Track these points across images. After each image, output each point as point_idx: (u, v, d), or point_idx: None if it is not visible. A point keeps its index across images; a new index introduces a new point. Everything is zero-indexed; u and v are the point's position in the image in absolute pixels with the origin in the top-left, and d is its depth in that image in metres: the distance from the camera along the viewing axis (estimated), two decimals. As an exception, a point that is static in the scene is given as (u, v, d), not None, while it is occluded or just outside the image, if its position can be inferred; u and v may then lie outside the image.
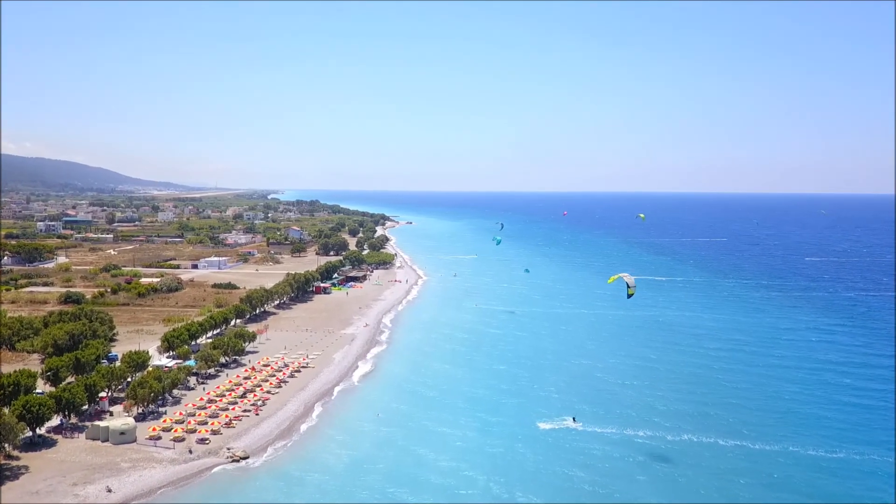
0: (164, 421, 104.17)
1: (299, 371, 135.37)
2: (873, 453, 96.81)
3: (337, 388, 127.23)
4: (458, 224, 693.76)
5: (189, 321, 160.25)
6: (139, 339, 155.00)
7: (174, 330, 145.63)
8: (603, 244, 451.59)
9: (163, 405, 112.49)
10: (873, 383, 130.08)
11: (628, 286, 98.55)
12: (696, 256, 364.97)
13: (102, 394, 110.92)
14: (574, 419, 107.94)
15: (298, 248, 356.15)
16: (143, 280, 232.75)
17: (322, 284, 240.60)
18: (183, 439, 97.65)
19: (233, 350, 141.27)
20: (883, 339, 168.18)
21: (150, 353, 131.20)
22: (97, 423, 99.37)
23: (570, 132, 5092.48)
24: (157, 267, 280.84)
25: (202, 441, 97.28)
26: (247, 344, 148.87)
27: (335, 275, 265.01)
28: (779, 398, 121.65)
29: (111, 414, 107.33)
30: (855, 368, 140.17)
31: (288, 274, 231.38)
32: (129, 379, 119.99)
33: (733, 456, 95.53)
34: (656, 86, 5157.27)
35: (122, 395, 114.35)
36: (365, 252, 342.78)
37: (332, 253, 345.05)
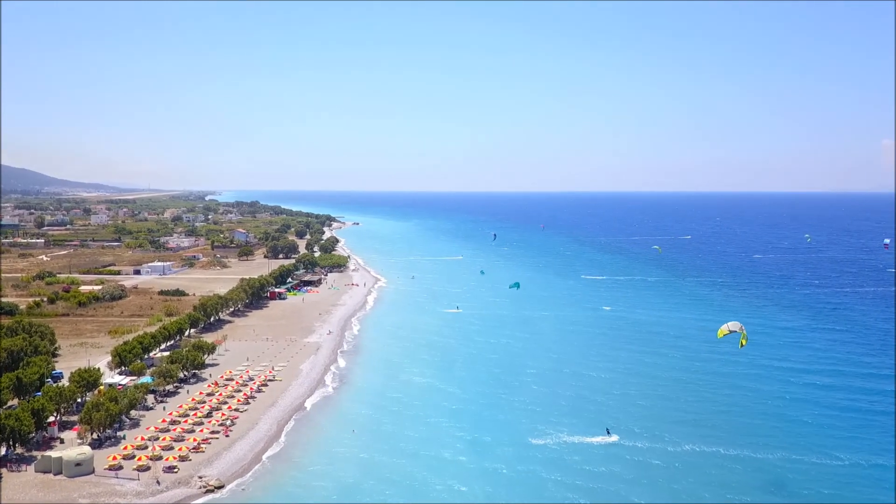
0: (125, 448, 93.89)
1: (266, 385, 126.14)
2: (865, 456, 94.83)
3: (308, 403, 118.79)
4: (407, 224, 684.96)
5: (140, 332, 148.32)
6: (85, 353, 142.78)
7: (125, 343, 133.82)
8: (555, 243, 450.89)
9: (120, 429, 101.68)
10: (854, 392, 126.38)
11: (740, 334, 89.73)
12: (649, 255, 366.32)
13: (51, 419, 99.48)
14: (608, 431, 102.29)
15: (245, 252, 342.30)
16: (83, 288, 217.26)
17: (277, 290, 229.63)
18: (148, 468, 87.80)
19: (192, 364, 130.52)
20: (855, 338, 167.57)
21: (100, 370, 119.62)
22: (48, 453, 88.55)
23: (523, 133, 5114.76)
24: (95, 273, 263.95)
25: (170, 469, 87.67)
26: (206, 356, 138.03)
27: (289, 279, 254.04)
28: (767, 403, 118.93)
29: (62, 441, 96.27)
30: (833, 377, 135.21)
31: (242, 279, 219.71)
32: (79, 400, 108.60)
33: (738, 465, 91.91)
34: (611, 84, 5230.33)
35: (74, 419, 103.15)
36: (317, 254, 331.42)
37: (281, 256, 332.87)
